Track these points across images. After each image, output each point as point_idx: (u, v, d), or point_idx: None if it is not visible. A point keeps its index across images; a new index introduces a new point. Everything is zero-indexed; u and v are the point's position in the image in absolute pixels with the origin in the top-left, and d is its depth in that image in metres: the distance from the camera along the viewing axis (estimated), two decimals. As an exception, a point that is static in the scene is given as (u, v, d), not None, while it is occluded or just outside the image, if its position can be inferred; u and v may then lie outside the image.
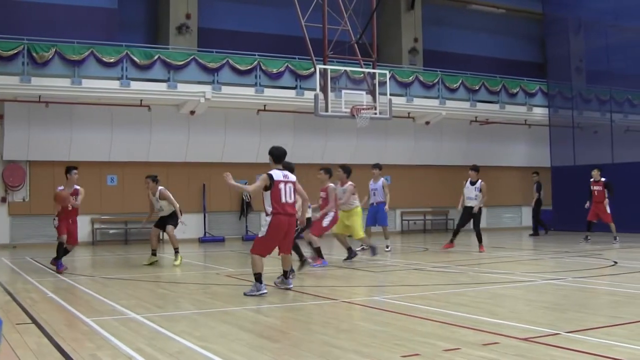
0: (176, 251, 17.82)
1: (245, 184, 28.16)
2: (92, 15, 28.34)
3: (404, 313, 9.65)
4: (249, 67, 27.04)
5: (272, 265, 13.52)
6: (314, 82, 24.13)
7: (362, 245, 20.46)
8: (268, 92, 27.35)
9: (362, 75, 25.40)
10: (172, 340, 7.88)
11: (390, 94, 25.04)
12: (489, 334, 7.91)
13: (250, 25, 31.87)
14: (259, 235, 11.75)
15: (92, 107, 25.81)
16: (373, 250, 18.03)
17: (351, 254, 17.80)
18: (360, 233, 18.25)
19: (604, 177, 23.52)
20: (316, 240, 16.41)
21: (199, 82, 26.33)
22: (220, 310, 10.20)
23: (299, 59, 27.79)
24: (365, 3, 24.99)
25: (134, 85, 25.26)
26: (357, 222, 18.22)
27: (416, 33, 34.82)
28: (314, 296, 11.63)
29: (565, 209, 25.02)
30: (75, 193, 16.43)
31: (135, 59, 25.24)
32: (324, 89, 23.22)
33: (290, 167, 12.61)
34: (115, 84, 25.03)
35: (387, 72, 25.52)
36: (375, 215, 21.47)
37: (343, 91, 24.28)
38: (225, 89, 26.64)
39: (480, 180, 20.38)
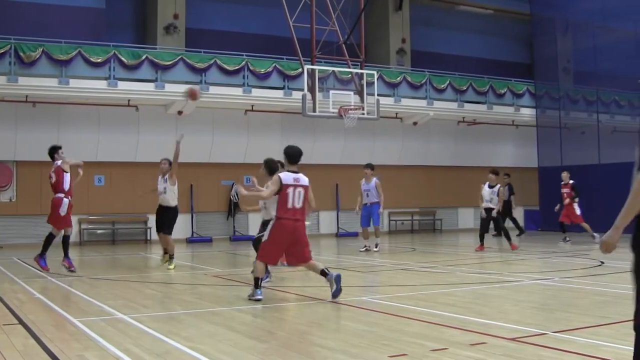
0: (171, 257, 17.23)
1: (233, 184, 28.27)
2: (80, 15, 28.29)
3: (391, 313, 9.66)
4: (236, 67, 27.02)
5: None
6: (302, 83, 24.14)
7: (365, 246, 20.56)
8: (256, 92, 27.35)
9: (350, 75, 25.41)
10: (160, 341, 7.86)
11: (378, 95, 25.07)
12: (476, 334, 7.92)
13: (238, 26, 31.87)
14: (263, 240, 11.43)
15: (80, 107, 25.75)
16: None
17: None
18: None
19: (572, 180, 23.79)
20: None
21: (187, 82, 26.24)
22: (207, 310, 10.19)
23: (286, 59, 27.79)
24: (353, 3, 25.01)
25: (122, 85, 25.21)
26: None
27: (404, 34, 34.87)
28: (301, 296, 11.64)
29: (552, 209, 25.07)
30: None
31: (122, 59, 25.20)
32: (311, 90, 23.23)
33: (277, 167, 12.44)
34: (102, 84, 24.98)
35: (374, 72, 25.53)
36: (369, 216, 21.48)
37: (331, 91, 24.30)
38: (213, 89, 26.61)
39: (499, 185, 20.47)
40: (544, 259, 18.54)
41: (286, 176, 11.14)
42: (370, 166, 21.51)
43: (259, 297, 10.93)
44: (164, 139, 27.22)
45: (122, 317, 9.57)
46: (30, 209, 25.76)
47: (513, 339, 7.53)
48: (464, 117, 32.89)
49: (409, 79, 30.75)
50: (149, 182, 27.06)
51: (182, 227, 27.88)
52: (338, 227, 31.05)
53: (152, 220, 27.30)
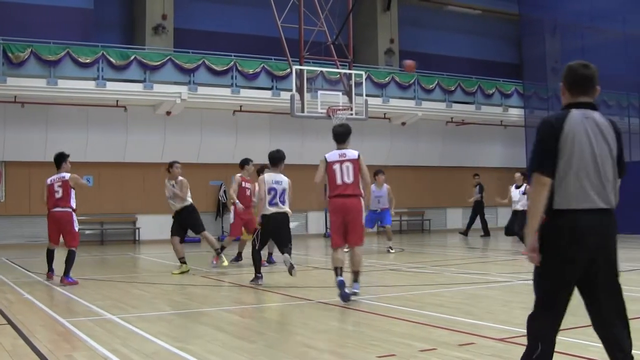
0: (221, 249, 16.83)
1: (221, 185, 28.27)
2: (68, 15, 28.24)
3: (380, 314, 9.68)
4: (225, 68, 27.02)
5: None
6: (290, 83, 24.17)
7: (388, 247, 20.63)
8: (244, 92, 27.34)
9: (338, 76, 25.45)
10: (148, 341, 7.87)
11: (367, 95, 25.12)
12: (465, 335, 7.95)
13: (227, 26, 31.86)
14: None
15: (68, 107, 25.69)
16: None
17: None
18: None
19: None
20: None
21: (175, 83, 26.28)
22: (196, 311, 10.20)
23: (275, 59, 27.79)
24: (341, 4, 25.04)
25: (110, 85, 25.18)
26: None
27: (392, 34, 34.92)
28: (290, 297, 11.64)
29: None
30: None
31: (111, 59, 25.17)
32: (300, 90, 23.25)
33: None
34: (91, 85, 24.94)
35: (363, 72, 25.58)
36: (376, 221, 21.37)
37: (319, 92, 24.35)
38: (202, 90, 26.61)
39: (525, 185, 20.56)
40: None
41: (330, 155, 11.20)
42: (381, 172, 21.20)
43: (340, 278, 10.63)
44: (152, 139, 27.24)
45: (110, 317, 9.57)
46: (19, 209, 25.72)
47: (501, 339, 7.55)
48: (452, 118, 32.95)
49: (397, 79, 30.79)
50: (137, 182, 27.17)
51: (170, 227, 27.90)
52: (326, 228, 31.03)
53: (140, 221, 27.39)
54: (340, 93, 24.40)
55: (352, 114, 24.07)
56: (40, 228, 25.71)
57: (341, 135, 11.35)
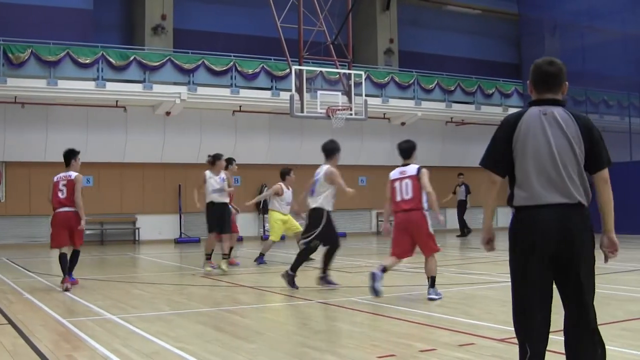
0: (224, 257, 16.42)
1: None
2: (68, 16, 28.25)
3: (379, 314, 9.68)
4: (224, 68, 27.03)
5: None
6: (290, 83, 24.16)
7: None
8: (244, 92, 27.36)
9: (337, 76, 25.44)
10: (148, 341, 7.87)
11: (366, 95, 25.11)
12: (464, 335, 7.95)
13: (226, 26, 31.86)
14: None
15: (68, 107, 25.72)
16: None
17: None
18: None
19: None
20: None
21: (175, 83, 26.30)
22: (196, 311, 10.20)
23: (274, 59, 27.80)
24: (340, 4, 25.03)
25: (110, 86, 25.20)
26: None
27: (392, 34, 34.91)
28: (289, 297, 11.64)
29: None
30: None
31: (110, 59, 25.18)
32: (299, 90, 23.24)
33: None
34: (90, 85, 24.96)
35: (362, 72, 25.59)
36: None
37: (319, 92, 24.34)
38: (201, 90, 26.63)
39: None
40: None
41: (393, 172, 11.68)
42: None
43: (437, 296, 10.87)
44: (152, 139, 27.25)
45: (110, 317, 9.58)
46: (19, 209, 25.75)
47: (501, 340, 7.55)
48: (452, 118, 32.95)
49: (396, 79, 30.80)
50: (137, 182, 27.18)
51: (170, 227, 27.94)
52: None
53: (140, 221, 27.38)
54: (339, 93, 24.40)
55: (351, 114, 24.08)
56: (40, 228, 25.82)
57: (406, 151, 11.78)
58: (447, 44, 37.15)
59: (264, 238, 28.88)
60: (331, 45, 24.96)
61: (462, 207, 29.18)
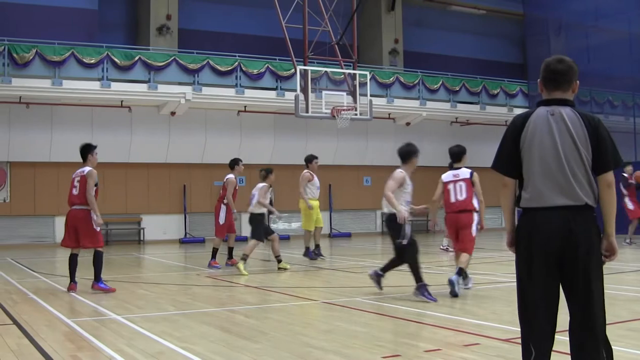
0: (278, 260, 16.39)
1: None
2: (73, 16, 28.30)
3: (384, 314, 9.67)
4: (229, 68, 27.03)
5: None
6: (295, 83, 24.13)
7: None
8: (248, 93, 27.36)
9: (342, 76, 25.42)
10: (153, 341, 7.87)
11: (371, 95, 25.06)
12: (470, 335, 7.94)
13: (231, 26, 31.88)
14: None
15: (73, 108, 25.75)
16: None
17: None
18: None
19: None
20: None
21: (180, 83, 26.31)
22: (200, 311, 10.19)
23: (279, 59, 27.80)
24: (345, 4, 25.01)
25: (115, 86, 25.22)
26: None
27: (397, 34, 34.90)
28: (294, 297, 11.64)
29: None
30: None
31: (115, 60, 25.20)
32: (304, 90, 23.22)
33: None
34: (95, 85, 24.98)
35: (367, 73, 25.54)
36: None
37: (324, 92, 24.30)
38: (206, 90, 26.63)
39: None
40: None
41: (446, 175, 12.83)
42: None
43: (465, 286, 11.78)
44: (156, 139, 27.27)
45: (115, 317, 9.58)
46: (23, 209, 25.78)
47: (507, 340, 7.54)
48: (456, 118, 32.93)
49: (401, 79, 30.78)
50: (141, 182, 27.21)
51: (175, 227, 27.97)
52: (331, 228, 31.05)
53: (145, 221, 27.41)
54: (344, 93, 24.36)
55: (356, 114, 24.05)
56: (45, 228, 25.87)
57: (456, 155, 12.66)
58: (452, 44, 37.13)
59: (269, 239, 28.87)
60: (336, 46, 24.92)
61: None
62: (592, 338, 4.71)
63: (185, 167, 27.97)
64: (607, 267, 4.90)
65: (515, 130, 4.95)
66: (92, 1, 28.89)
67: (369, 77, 25.22)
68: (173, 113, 27.16)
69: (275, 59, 28.00)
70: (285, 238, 24.06)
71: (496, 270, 15.60)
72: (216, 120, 28.13)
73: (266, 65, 27.72)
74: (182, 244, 27.10)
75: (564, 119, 4.80)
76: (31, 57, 23.93)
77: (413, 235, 11.58)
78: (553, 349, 4.90)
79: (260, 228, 16.10)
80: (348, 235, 30.17)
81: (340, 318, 9.71)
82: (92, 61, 24.84)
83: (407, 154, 12.24)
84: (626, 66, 28.93)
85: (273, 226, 28.35)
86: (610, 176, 4.79)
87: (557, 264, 4.72)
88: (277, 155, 29.20)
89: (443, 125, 33.11)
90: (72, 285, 12.48)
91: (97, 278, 12.45)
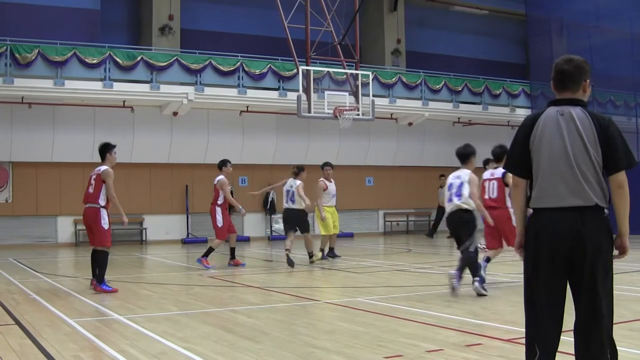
0: (310, 255, 17.77)
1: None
2: (75, 16, 28.30)
3: (386, 314, 9.67)
4: (231, 68, 27.02)
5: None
6: (297, 83, 24.09)
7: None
8: (251, 93, 27.33)
9: (344, 76, 25.40)
10: (155, 341, 7.88)
11: (373, 95, 25.03)
12: (472, 335, 7.95)
13: (233, 27, 31.88)
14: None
15: (75, 108, 25.73)
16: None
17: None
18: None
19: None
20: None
21: (182, 83, 26.29)
22: (203, 311, 10.20)
23: (281, 60, 27.78)
24: (347, 4, 24.99)
25: (117, 86, 25.20)
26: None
27: (399, 34, 34.89)
28: (296, 297, 11.64)
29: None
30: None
31: (118, 60, 25.18)
32: (306, 90, 23.21)
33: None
34: (98, 85, 24.96)
35: (369, 73, 25.53)
36: None
37: (326, 92, 24.28)
38: (208, 90, 26.61)
39: None
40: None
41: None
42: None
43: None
44: (159, 140, 27.27)
45: (117, 317, 9.59)
46: (26, 209, 25.77)
47: (509, 340, 7.55)
48: (459, 118, 32.90)
49: (404, 79, 30.76)
50: (144, 182, 27.22)
51: (177, 228, 27.97)
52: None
53: (147, 221, 27.42)
54: (347, 93, 24.33)
55: (358, 115, 24.03)
56: (47, 228, 25.88)
57: (498, 156, 12.77)
58: (454, 44, 37.12)
59: (271, 238, 28.91)
60: (338, 46, 24.90)
61: (441, 209, 29.13)
62: (597, 339, 4.70)
63: (188, 167, 27.96)
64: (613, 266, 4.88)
65: (525, 130, 4.95)
66: (95, 1, 28.89)
67: (371, 77, 25.19)
68: (175, 113, 27.15)
69: (278, 59, 27.99)
70: (283, 238, 24.00)
71: (498, 270, 15.57)
72: (218, 120, 28.12)
73: (268, 66, 27.70)
74: (185, 244, 27.09)
75: (573, 119, 4.80)
76: (33, 57, 23.91)
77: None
78: (558, 349, 4.90)
79: (305, 221, 17.71)
80: (350, 236, 30.16)
81: (342, 318, 9.72)
82: (95, 61, 24.83)
83: (467, 155, 12.59)
84: (628, 66, 28.92)
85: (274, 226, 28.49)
86: (621, 176, 4.77)
87: (564, 264, 4.72)
88: (280, 156, 29.20)
89: (445, 126, 33.08)
90: (92, 280, 12.62)
91: (100, 280, 12.44)
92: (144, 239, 27.62)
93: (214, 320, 9.45)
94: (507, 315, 9.45)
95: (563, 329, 4.88)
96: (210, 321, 9.34)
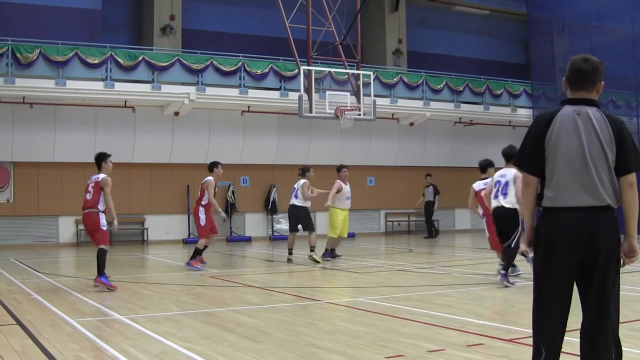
0: (311, 249, 18.24)
1: (230, 185, 28.26)
2: (76, 16, 28.28)
3: (388, 314, 9.67)
4: (233, 68, 27.00)
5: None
6: (298, 83, 24.08)
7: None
8: (252, 93, 27.32)
9: (346, 76, 25.41)
10: (156, 342, 7.88)
11: (375, 95, 25.01)
12: (473, 335, 7.94)
13: (235, 27, 31.87)
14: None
15: (76, 108, 25.71)
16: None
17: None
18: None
19: None
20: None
21: (183, 84, 26.28)
22: (204, 311, 10.20)
23: (283, 60, 27.76)
24: (349, 4, 24.98)
25: (118, 86, 25.18)
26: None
27: (400, 34, 34.87)
28: (297, 297, 11.64)
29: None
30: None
31: (119, 60, 25.17)
32: (308, 90, 23.21)
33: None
34: (99, 85, 24.94)
35: (371, 73, 25.53)
36: None
37: (327, 92, 24.29)
38: (210, 90, 26.59)
39: None
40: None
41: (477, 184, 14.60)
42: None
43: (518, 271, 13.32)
44: (160, 140, 27.26)
45: (119, 317, 9.59)
46: (27, 209, 25.76)
47: (510, 340, 7.54)
48: (460, 118, 32.89)
49: (405, 79, 30.74)
50: (145, 182, 27.22)
51: (178, 228, 27.98)
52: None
53: (148, 221, 27.43)
54: (348, 93, 24.33)
55: (360, 115, 24.03)
56: (48, 228, 25.89)
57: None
58: (456, 44, 37.12)
59: (273, 238, 28.92)
60: (340, 46, 24.90)
61: (429, 208, 29.26)
62: (604, 339, 4.73)
63: (189, 167, 27.92)
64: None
65: (540, 128, 4.91)
66: (96, 1, 28.87)
67: (372, 77, 25.19)
68: (177, 113, 27.14)
69: (279, 59, 27.97)
70: (285, 238, 23.98)
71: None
72: (220, 120, 28.10)
73: (270, 66, 27.69)
74: (186, 244, 27.07)
75: (590, 120, 4.80)
76: (35, 57, 23.90)
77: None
78: (563, 350, 4.91)
79: (309, 219, 18.58)
80: (352, 236, 30.16)
81: (343, 318, 9.72)
82: (96, 61, 24.82)
83: (512, 155, 12.66)
84: (629, 66, 28.88)
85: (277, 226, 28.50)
86: (632, 177, 4.80)
87: (576, 264, 4.73)
88: (281, 156, 29.20)
89: (447, 126, 33.07)
90: (97, 277, 12.96)
91: (100, 273, 12.83)
92: (145, 239, 27.62)
93: (215, 320, 9.45)
94: (509, 315, 9.46)
95: (569, 329, 4.89)
96: (211, 321, 9.34)
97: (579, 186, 4.72)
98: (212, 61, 26.73)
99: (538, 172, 4.91)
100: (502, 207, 12.45)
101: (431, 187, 29.19)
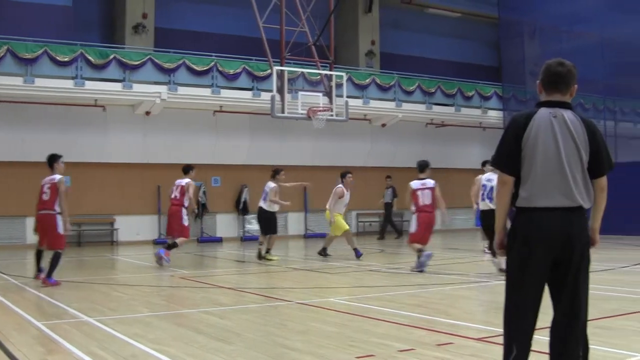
0: (267, 250, 18.91)
1: (201, 185, 28.14)
2: (46, 13, 27.99)
3: (359, 314, 9.65)
4: (205, 68, 26.92)
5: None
6: (271, 84, 24.01)
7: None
8: (224, 93, 27.26)
9: (319, 77, 25.41)
10: (126, 344, 7.80)
11: (347, 96, 25.02)
12: (443, 335, 7.95)
13: (208, 26, 31.75)
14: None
15: (46, 106, 25.47)
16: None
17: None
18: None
19: None
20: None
21: (155, 83, 26.13)
22: (174, 312, 10.15)
23: (256, 60, 27.72)
24: (323, 5, 24.99)
25: (89, 85, 24.99)
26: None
27: (373, 36, 34.93)
28: (268, 298, 11.60)
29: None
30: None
31: (90, 58, 24.98)
32: (280, 91, 23.16)
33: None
34: (69, 84, 24.74)
35: (344, 74, 25.53)
36: None
37: (300, 93, 24.25)
38: (182, 90, 26.49)
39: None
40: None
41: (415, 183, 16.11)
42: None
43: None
44: (131, 139, 27.11)
45: (87, 319, 9.49)
46: (-6, 209, 25.53)
47: (480, 339, 7.56)
48: (432, 119, 33.01)
49: (377, 80, 30.80)
50: (116, 183, 27.03)
51: (149, 228, 27.82)
52: (306, 228, 31.04)
53: (118, 222, 27.24)
54: (320, 94, 24.31)
55: (332, 115, 24.01)
56: (15, 229, 25.59)
57: (422, 167, 16.58)
58: (428, 46, 37.26)
59: (244, 239, 28.85)
60: (313, 47, 24.88)
61: (387, 210, 29.39)
62: (575, 337, 4.82)
63: (160, 167, 27.76)
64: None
65: (517, 128, 4.98)
66: (67, -2, 28.66)
67: (345, 78, 25.21)
68: (148, 113, 27.00)
69: (252, 59, 27.91)
70: (256, 239, 23.93)
71: (469, 271, 15.64)
72: (192, 120, 27.99)
73: (242, 66, 27.63)
74: (156, 245, 26.91)
75: (566, 122, 4.89)
76: (2, 54, 23.61)
77: None
78: (532, 348, 4.94)
79: (274, 223, 18.97)
80: (324, 236, 30.09)
81: (314, 318, 9.69)
82: (66, 59, 24.60)
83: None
84: (598, 70, 29.11)
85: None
86: (605, 180, 4.96)
87: (550, 264, 4.77)
88: (253, 156, 29.15)
89: (418, 127, 33.17)
90: (38, 275, 13.77)
91: (49, 275, 13.33)
92: (114, 239, 27.43)
93: (185, 321, 9.39)
94: (479, 314, 9.48)
95: (538, 327, 4.93)
96: (181, 323, 9.28)
97: (553, 187, 4.80)
98: (184, 60, 26.64)
99: (515, 172, 4.94)
100: (491, 209, 13.11)
101: (390, 189, 29.28)
